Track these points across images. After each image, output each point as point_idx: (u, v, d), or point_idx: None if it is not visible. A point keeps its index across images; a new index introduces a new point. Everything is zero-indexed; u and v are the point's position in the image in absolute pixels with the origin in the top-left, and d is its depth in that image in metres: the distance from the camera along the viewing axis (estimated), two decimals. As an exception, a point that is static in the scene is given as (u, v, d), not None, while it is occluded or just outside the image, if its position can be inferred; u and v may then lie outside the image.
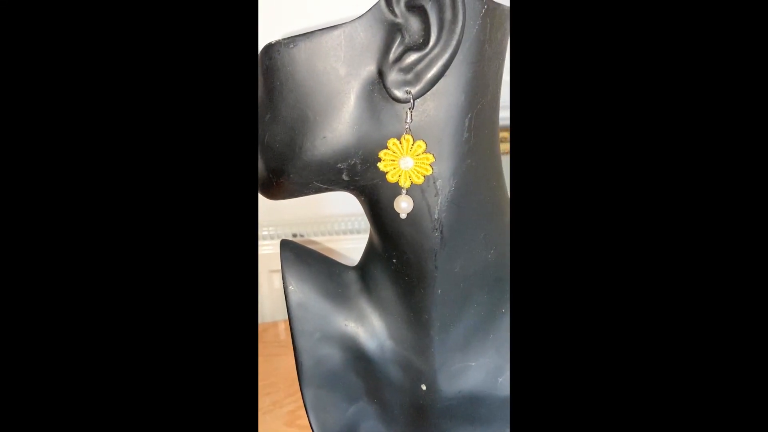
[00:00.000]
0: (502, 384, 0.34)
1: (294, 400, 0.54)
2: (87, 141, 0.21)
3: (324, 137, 0.27)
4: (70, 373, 0.21)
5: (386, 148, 0.27)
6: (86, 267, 0.21)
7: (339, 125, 0.26)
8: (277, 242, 0.70)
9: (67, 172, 0.21)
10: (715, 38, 0.19)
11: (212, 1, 0.21)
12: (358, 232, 0.73)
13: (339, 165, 0.28)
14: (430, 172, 0.27)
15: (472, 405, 0.35)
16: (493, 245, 0.31)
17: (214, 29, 0.21)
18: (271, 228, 0.72)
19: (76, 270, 0.21)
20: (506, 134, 0.63)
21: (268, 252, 0.70)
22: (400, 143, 0.27)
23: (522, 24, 0.22)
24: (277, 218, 0.72)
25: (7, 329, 0.21)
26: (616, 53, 0.20)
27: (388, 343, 0.34)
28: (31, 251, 0.21)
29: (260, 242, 0.70)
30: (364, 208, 0.32)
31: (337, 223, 0.74)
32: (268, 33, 0.27)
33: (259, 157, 0.30)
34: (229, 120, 0.22)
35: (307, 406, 0.35)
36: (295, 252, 0.35)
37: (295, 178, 0.29)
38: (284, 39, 0.26)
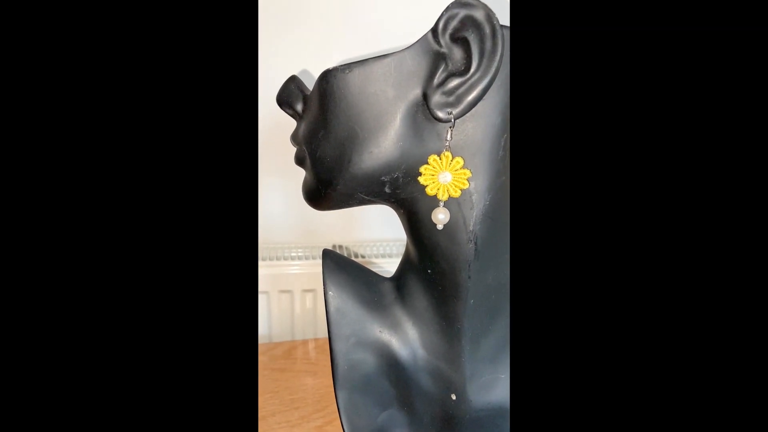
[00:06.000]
0: (530, 398, 0.35)
1: (321, 416, 0.55)
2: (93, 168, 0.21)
3: (371, 152, 0.30)
4: (76, 382, 0.21)
5: (427, 163, 0.30)
6: (88, 259, 0.21)
7: (385, 142, 0.29)
8: (310, 263, 0.72)
9: (70, 203, 0.21)
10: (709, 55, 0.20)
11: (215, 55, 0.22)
12: (390, 256, 0.75)
13: (383, 178, 0.30)
14: (466, 186, 0.29)
15: (500, 418, 0.35)
16: None
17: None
18: (299, 250, 0.75)
19: (78, 279, 0.21)
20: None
21: (301, 272, 0.72)
22: (440, 159, 0.29)
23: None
24: (305, 240, 0.75)
25: (8, 338, 0.21)
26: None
27: (421, 352, 0.36)
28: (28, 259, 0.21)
29: (291, 262, 0.72)
30: (402, 220, 0.34)
31: (371, 247, 0.76)
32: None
33: (310, 169, 0.33)
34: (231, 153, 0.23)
35: (340, 408, 0.36)
36: (335, 261, 0.37)
37: (342, 189, 0.31)
38: (340, 66, 0.29)
